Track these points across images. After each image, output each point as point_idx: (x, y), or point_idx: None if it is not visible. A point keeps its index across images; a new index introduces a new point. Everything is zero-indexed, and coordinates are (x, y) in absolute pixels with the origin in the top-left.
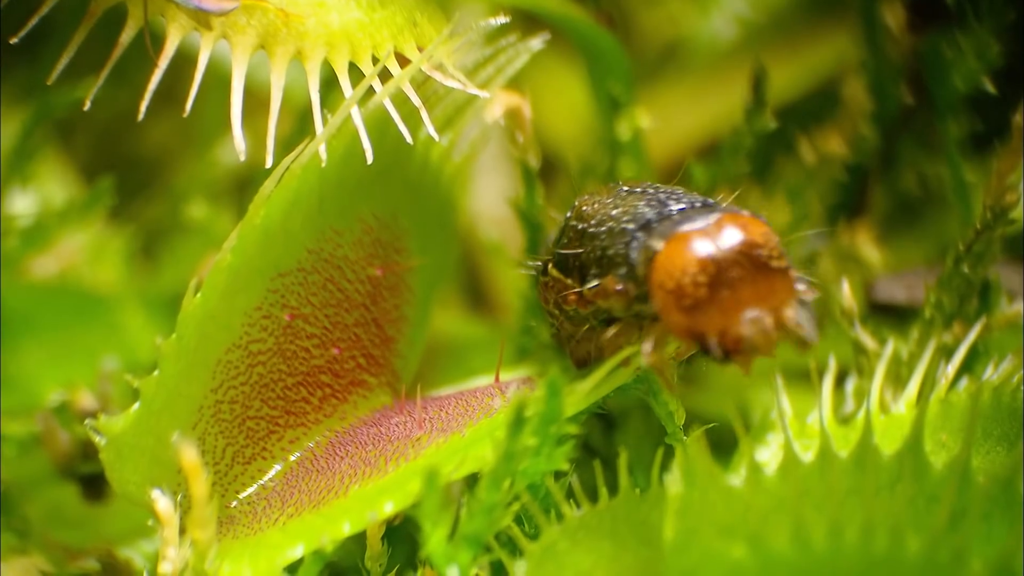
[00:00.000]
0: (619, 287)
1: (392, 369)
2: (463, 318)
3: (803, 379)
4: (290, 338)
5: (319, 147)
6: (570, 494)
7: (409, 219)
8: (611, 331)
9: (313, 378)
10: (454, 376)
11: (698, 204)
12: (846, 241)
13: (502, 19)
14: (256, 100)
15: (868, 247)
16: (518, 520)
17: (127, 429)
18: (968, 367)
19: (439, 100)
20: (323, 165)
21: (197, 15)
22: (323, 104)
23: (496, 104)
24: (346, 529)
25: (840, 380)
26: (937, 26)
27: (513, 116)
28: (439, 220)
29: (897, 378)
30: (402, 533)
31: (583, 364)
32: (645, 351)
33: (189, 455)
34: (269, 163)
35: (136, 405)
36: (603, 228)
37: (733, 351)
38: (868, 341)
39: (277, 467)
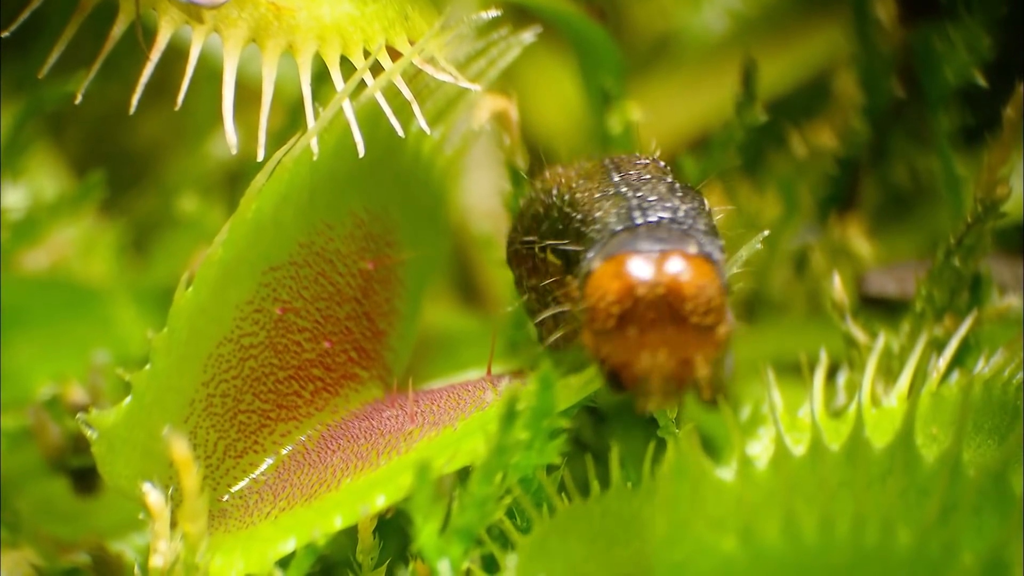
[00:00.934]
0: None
1: (383, 363)
2: (454, 311)
3: (794, 373)
4: (281, 332)
5: (311, 141)
6: (562, 488)
7: (400, 212)
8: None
9: (305, 372)
10: (446, 369)
11: (680, 214)
12: (837, 234)
13: (493, 13)
14: (248, 93)
15: (859, 240)
16: (510, 514)
17: (119, 423)
18: (959, 360)
19: (430, 93)
20: (315, 158)
21: (188, 9)
22: (314, 98)
23: (483, 107)
24: (338, 523)
25: (831, 373)
26: (928, 19)
27: (500, 119)
28: (430, 213)
29: (888, 371)
30: (394, 526)
31: (554, 347)
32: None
33: (180, 448)
34: (260, 156)
35: (128, 399)
36: (587, 229)
37: (630, 387)
38: (859, 334)
39: (269, 461)
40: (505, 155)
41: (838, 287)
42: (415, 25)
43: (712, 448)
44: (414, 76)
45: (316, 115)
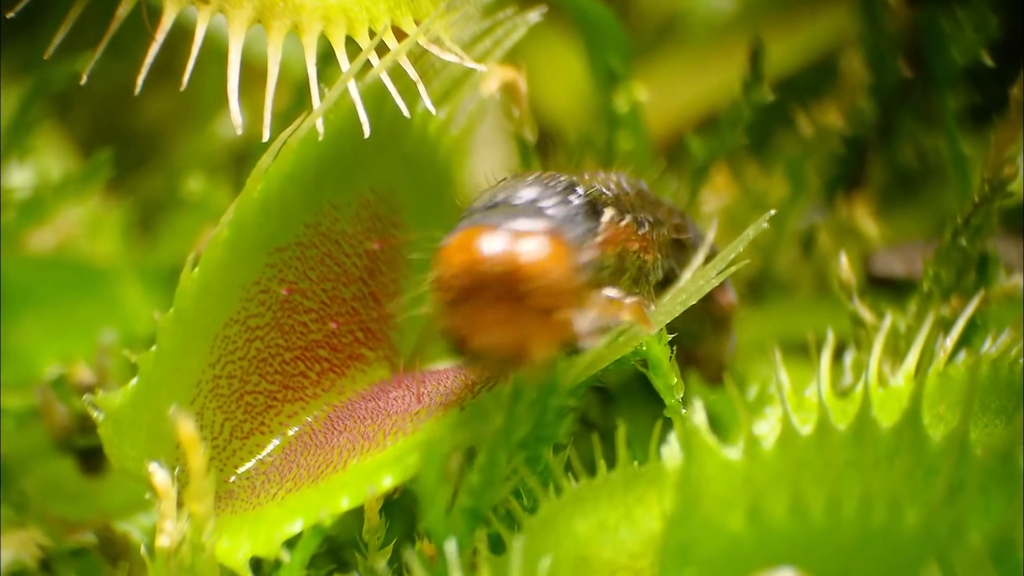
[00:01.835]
0: None
1: (390, 343)
2: None
3: (800, 353)
4: (288, 312)
5: (316, 121)
6: (568, 467)
7: (406, 193)
8: None
9: (311, 352)
10: None
11: (546, 200)
12: (844, 214)
13: None
14: (253, 74)
15: (866, 220)
16: (516, 494)
17: (125, 404)
18: (966, 340)
19: (436, 74)
20: (320, 139)
21: None
22: (320, 78)
23: (492, 78)
24: (344, 504)
25: (838, 353)
26: None
27: (509, 90)
28: (437, 193)
29: (895, 351)
30: (400, 506)
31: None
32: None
33: (186, 428)
34: (266, 137)
35: (134, 380)
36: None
37: (463, 353)
38: (866, 314)
39: (275, 442)
40: (514, 127)
41: (845, 267)
42: (420, 5)
43: (719, 427)
44: (419, 56)
45: (322, 96)
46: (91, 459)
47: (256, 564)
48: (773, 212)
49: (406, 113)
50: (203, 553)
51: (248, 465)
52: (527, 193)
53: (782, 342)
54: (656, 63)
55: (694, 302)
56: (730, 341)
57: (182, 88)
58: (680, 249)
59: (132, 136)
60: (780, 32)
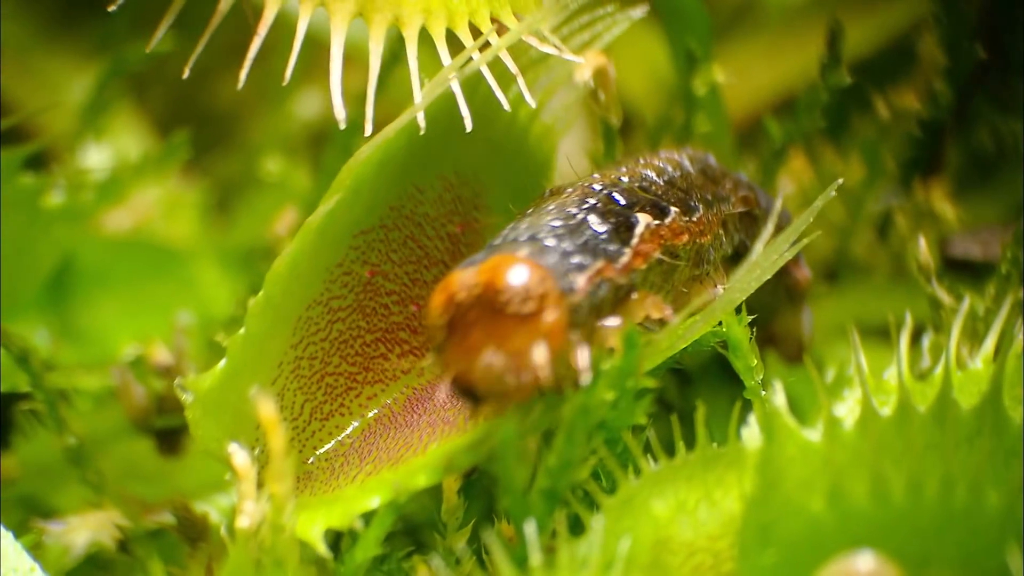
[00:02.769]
0: None
1: None
2: None
3: (878, 335)
4: (370, 295)
5: (418, 114)
6: (647, 449)
7: (490, 176)
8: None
9: (392, 335)
10: None
11: (529, 232)
12: (921, 197)
13: None
14: (323, 52)
15: (943, 203)
16: (595, 475)
17: (213, 387)
18: None
19: (531, 62)
20: (421, 132)
21: None
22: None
23: (585, 66)
24: (421, 481)
25: (916, 336)
26: None
27: (598, 76)
28: (523, 178)
29: (973, 334)
30: (479, 487)
31: None
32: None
33: (267, 409)
34: (368, 132)
35: (222, 363)
36: None
37: (471, 394)
38: (944, 297)
39: (355, 424)
40: (601, 111)
41: (923, 250)
42: None
43: (797, 410)
44: (518, 48)
45: (421, 86)
46: (169, 440)
47: (333, 544)
48: (840, 181)
49: (506, 106)
50: (283, 534)
51: (328, 447)
52: (532, 228)
53: (859, 325)
54: (733, 46)
55: (769, 276)
56: (806, 318)
57: (284, 83)
58: (751, 222)
59: (209, 116)
60: (856, 15)
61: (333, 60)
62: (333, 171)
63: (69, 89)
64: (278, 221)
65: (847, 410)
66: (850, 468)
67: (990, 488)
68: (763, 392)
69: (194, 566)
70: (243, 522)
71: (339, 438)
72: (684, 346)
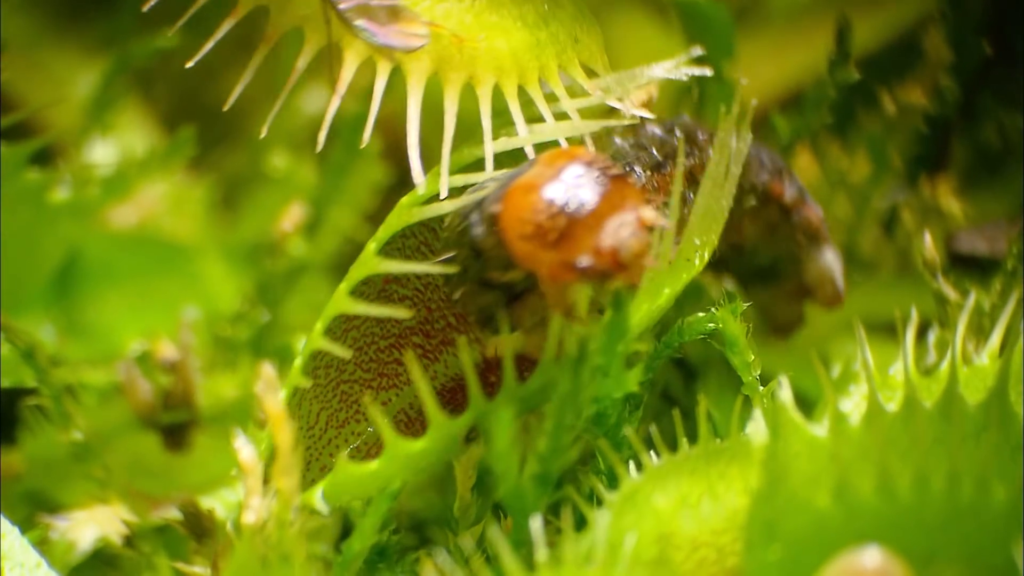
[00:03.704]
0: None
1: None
2: None
3: (884, 331)
4: (383, 300)
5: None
6: (650, 444)
7: None
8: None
9: (405, 339)
10: None
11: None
12: (927, 193)
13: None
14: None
15: (949, 199)
16: (598, 472)
17: None
18: None
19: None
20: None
21: (378, 47)
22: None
23: (635, 104)
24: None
25: (921, 332)
26: None
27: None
28: None
29: (979, 330)
30: (486, 485)
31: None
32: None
33: (273, 404)
34: (443, 194)
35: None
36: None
37: (613, 266)
38: (950, 292)
39: (370, 430)
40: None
41: (929, 245)
42: (585, 46)
43: (804, 405)
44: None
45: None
46: (175, 435)
47: (334, 544)
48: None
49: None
50: (289, 529)
51: (343, 454)
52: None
53: (865, 321)
54: (739, 43)
55: (726, 185)
56: (833, 258)
57: (319, 148)
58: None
59: (215, 112)
60: (863, 11)
61: (410, 120)
62: (339, 167)
63: (75, 84)
64: (284, 217)
65: (853, 405)
66: (856, 463)
67: (996, 483)
68: (761, 388)
69: (200, 562)
70: (249, 517)
71: (355, 445)
72: (665, 300)
